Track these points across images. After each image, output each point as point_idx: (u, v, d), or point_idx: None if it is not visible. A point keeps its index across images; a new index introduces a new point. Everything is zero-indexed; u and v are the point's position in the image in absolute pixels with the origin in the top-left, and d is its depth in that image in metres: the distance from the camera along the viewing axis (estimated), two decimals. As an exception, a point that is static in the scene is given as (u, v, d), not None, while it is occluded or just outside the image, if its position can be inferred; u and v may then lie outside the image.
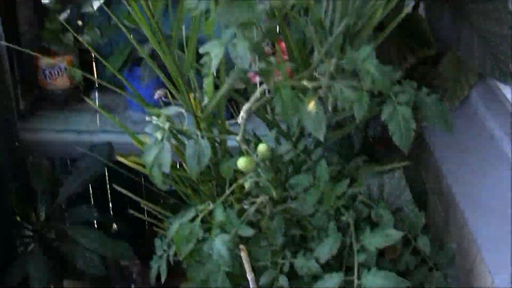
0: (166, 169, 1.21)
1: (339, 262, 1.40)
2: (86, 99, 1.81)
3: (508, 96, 1.63)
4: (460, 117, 1.71)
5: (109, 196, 2.81)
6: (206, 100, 1.24)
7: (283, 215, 1.46)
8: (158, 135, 1.24)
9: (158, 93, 1.62)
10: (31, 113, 2.39)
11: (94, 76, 2.53)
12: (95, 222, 2.27)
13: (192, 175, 1.23)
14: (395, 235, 1.30)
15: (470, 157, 1.61)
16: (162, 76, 1.56)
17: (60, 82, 2.36)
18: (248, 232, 1.34)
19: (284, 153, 1.50)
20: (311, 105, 1.15)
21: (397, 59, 1.74)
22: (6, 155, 2.22)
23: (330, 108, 1.17)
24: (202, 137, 1.23)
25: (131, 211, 1.92)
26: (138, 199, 1.83)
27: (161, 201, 2.20)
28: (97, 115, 2.35)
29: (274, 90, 1.13)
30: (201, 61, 1.11)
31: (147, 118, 1.26)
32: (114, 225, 2.86)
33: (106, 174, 2.66)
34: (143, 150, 1.25)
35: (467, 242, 1.51)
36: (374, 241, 1.31)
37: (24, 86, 2.43)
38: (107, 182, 2.71)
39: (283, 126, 1.56)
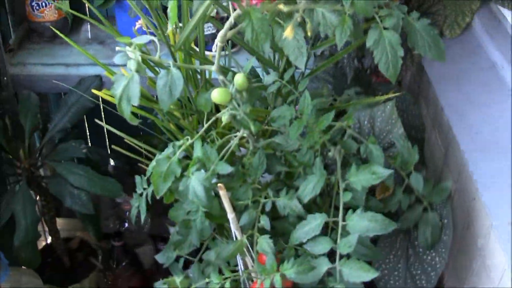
0: (135, 101, 1.12)
1: (329, 202, 1.31)
2: (58, 33, 1.70)
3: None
4: (461, 46, 1.61)
5: (106, 132, 2.73)
6: (169, 27, 1.14)
7: (268, 151, 1.37)
8: (132, 66, 1.14)
9: (138, 23, 1.53)
10: (20, 47, 2.30)
11: (85, 7, 2.43)
12: (89, 159, 2.18)
13: (163, 107, 1.13)
14: (382, 172, 1.20)
15: (471, 89, 1.51)
16: (137, 10, 1.46)
17: (48, 14, 2.27)
18: (226, 169, 1.25)
19: (268, 83, 1.40)
20: (288, 31, 1.05)
21: (394, -17, 1.63)
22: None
23: (309, 34, 1.07)
24: (175, 67, 1.14)
25: (114, 147, 1.83)
26: (123, 134, 1.74)
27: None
28: (86, 47, 2.26)
29: (243, 14, 1.03)
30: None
31: (117, 48, 1.17)
32: (112, 162, 2.80)
33: (102, 110, 2.57)
34: (113, 82, 1.16)
35: (466, 179, 1.41)
36: (360, 179, 1.21)
37: (14, 20, 2.34)
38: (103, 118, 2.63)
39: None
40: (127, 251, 2.36)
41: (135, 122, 1.18)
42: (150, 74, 1.43)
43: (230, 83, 1.20)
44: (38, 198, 2.24)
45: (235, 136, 1.31)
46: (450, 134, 1.48)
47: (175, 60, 1.40)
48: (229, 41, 1.63)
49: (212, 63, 1.20)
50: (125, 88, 1.12)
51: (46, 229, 2.39)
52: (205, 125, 1.28)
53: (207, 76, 1.53)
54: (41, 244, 2.56)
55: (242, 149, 1.45)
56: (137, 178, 1.47)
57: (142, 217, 1.44)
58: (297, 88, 1.41)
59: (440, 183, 1.37)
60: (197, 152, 1.27)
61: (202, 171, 1.23)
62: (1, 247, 2.08)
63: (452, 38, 1.61)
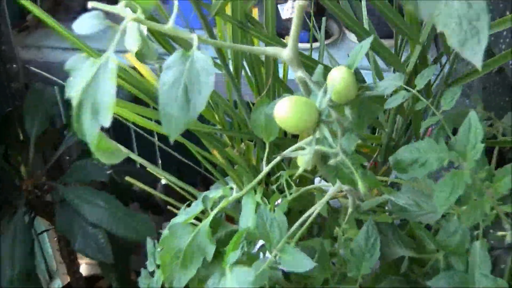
0: (104, 119, 0.49)
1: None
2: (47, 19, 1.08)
3: None
4: None
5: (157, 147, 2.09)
6: None
7: (380, 216, 0.73)
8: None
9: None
10: (38, 25, 1.73)
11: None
12: (116, 184, 1.57)
13: (170, 132, 0.50)
14: None
15: None
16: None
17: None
18: (301, 263, 0.61)
19: (386, 92, 0.75)
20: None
21: None
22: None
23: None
24: (201, 47, 0.51)
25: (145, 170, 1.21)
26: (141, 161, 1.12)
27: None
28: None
29: None
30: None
31: (89, 4, 0.55)
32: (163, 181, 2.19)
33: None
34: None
35: None
36: None
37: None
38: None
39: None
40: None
41: (112, 159, 0.56)
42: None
43: (319, 87, 0.57)
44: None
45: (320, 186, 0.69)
46: None
47: (211, 34, 0.75)
48: (321, 29, 1.01)
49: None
50: (88, 86, 0.50)
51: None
52: (265, 169, 0.65)
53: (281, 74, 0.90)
54: (65, 280, 2.00)
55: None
56: (149, 242, 0.86)
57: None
58: (437, 104, 0.77)
59: None
60: (246, 219, 0.65)
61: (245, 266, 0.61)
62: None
63: None
